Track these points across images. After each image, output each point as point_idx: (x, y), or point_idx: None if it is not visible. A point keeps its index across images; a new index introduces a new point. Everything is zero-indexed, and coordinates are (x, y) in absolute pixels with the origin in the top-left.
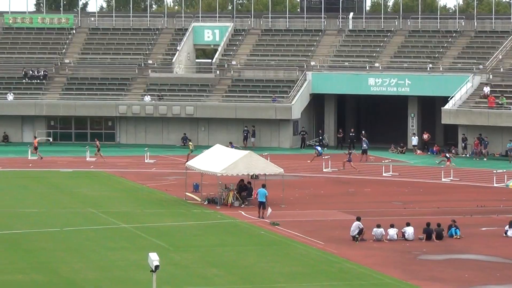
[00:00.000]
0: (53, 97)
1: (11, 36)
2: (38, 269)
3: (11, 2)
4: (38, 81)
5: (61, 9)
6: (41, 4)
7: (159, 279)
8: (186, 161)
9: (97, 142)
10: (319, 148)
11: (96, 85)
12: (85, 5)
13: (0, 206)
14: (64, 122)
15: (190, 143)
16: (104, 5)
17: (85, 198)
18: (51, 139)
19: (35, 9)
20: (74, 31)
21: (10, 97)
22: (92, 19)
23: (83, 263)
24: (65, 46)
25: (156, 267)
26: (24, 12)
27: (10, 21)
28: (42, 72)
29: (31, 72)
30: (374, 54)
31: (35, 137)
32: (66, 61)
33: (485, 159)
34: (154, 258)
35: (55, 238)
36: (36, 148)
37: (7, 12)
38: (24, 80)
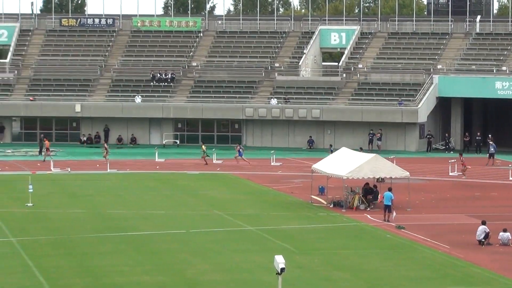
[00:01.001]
0: (181, 99)
1: (139, 39)
2: (164, 271)
3: (140, 6)
4: (166, 84)
5: (189, 12)
6: (169, 8)
7: (284, 281)
8: (206, 163)
9: (106, 145)
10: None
11: (223, 88)
12: (213, 8)
13: (128, 207)
14: (191, 124)
15: (203, 146)
16: (231, 8)
17: (211, 200)
18: (178, 142)
19: (163, 12)
20: (201, 34)
21: (138, 99)
22: (219, 22)
23: (208, 265)
24: (192, 49)
25: (282, 269)
26: (152, 15)
27: (139, 24)
28: (169, 75)
29: (158, 75)
30: (502, 58)
31: (45, 138)
32: (194, 64)
33: None
34: (280, 261)
35: (181, 240)
36: (48, 149)
37: (136, 15)
38: (152, 83)
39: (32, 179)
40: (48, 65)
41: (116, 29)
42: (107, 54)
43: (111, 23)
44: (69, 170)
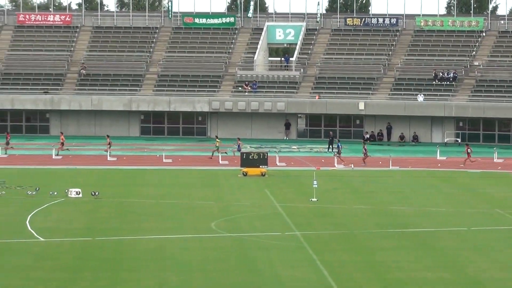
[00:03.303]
0: (462, 98)
1: (422, 39)
2: (445, 267)
3: (423, 5)
4: (448, 82)
5: (471, 12)
6: (452, 7)
7: None
8: (211, 157)
9: (108, 140)
10: (340, 146)
11: (504, 87)
12: (495, 8)
13: (409, 204)
14: (472, 123)
15: (217, 140)
16: None
17: (491, 198)
18: (459, 140)
19: (445, 12)
20: (483, 34)
21: (420, 98)
22: (502, 22)
23: (489, 263)
24: (474, 49)
25: None
26: (435, 15)
27: (422, 24)
28: (452, 74)
29: (441, 74)
30: None
31: (62, 133)
32: (475, 63)
33: None
34: None
35: (461, 237)
36: (62, 144)
37: (419, 15)
38: (434, 82)
39: (317, 174)
40: (333, 63)
41: (399, 29)
42: (390, 53)
43: (394, 22)
44: (353, 166)
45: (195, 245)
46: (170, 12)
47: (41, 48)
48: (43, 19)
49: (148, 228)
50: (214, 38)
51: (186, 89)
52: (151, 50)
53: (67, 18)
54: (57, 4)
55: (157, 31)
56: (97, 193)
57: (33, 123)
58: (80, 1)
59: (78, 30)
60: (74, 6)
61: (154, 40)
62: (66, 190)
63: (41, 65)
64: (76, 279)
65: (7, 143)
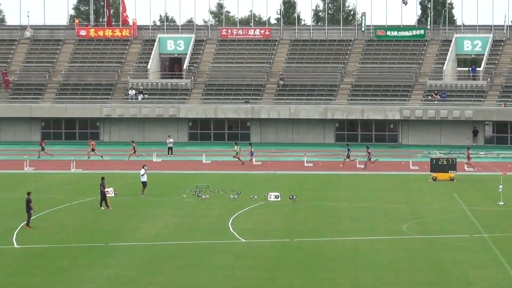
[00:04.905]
0: None
1: None
2: None
3: None
4: None
5: None
6: None
7: None
8: (242, 163)
9: (133, 144)
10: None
11: None
12: None
13: None
14: None
15: (236, 147)
16: None
17: None
18: None
19: None
20: None
21: None
22: None
23: None
24: None
25: None
26: None
27: None
28: None
29: None
30: None
31: (91, 138)
32: None
33: None
34: None
35: None
36: (93, 150)
37: None
38: None
39: (503, 179)
40: None
41: None
42: None
43: None
44: None
45: (386, 246)
46: (363, 26)
47: (242, 60)
48: (244, 33)
49: (342, 230)
50: (405, 50)
51: (378, 98)
52: (345, 61)
53: (266, 32)
54: (257, 19)
55: (351, 43)
56: (294, 197)
57: (234, 131)
58: (279, 16)
59: (276, 43)
60: (273, 21)
61: (348, 52)
62: (266, 194)
63: (242, 76)
64: (274, 277)
65: (42, 149)
